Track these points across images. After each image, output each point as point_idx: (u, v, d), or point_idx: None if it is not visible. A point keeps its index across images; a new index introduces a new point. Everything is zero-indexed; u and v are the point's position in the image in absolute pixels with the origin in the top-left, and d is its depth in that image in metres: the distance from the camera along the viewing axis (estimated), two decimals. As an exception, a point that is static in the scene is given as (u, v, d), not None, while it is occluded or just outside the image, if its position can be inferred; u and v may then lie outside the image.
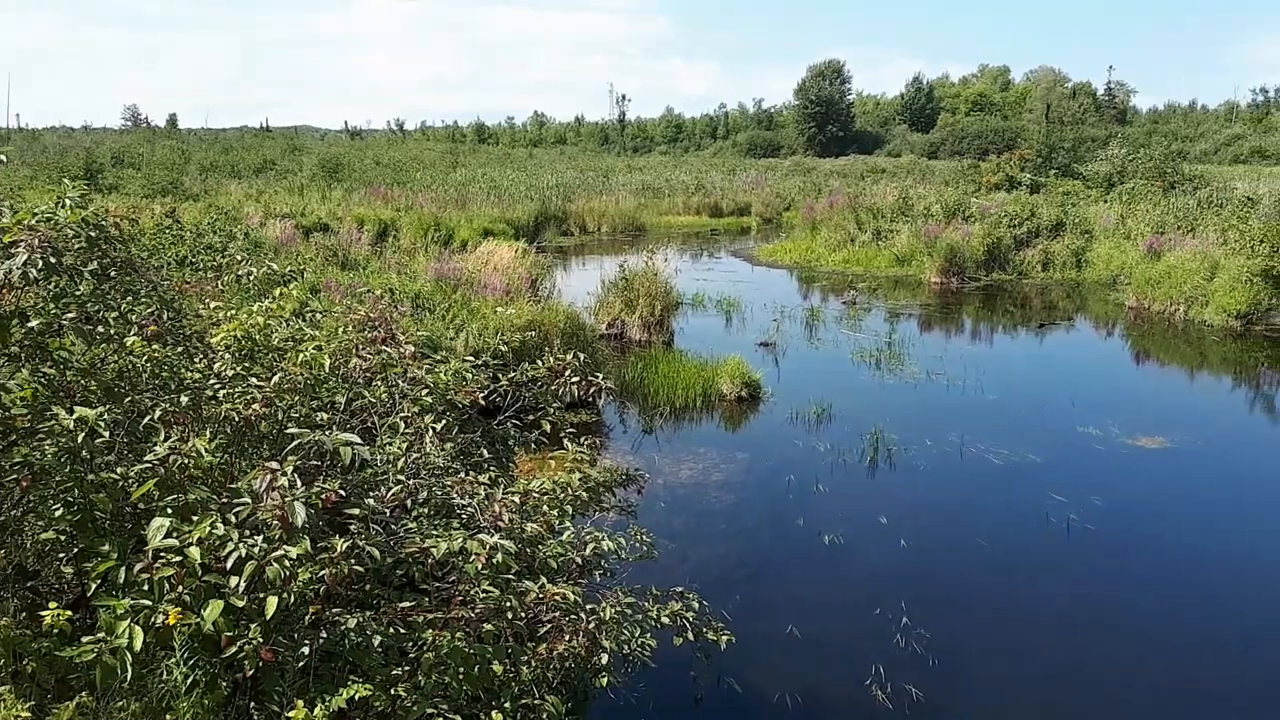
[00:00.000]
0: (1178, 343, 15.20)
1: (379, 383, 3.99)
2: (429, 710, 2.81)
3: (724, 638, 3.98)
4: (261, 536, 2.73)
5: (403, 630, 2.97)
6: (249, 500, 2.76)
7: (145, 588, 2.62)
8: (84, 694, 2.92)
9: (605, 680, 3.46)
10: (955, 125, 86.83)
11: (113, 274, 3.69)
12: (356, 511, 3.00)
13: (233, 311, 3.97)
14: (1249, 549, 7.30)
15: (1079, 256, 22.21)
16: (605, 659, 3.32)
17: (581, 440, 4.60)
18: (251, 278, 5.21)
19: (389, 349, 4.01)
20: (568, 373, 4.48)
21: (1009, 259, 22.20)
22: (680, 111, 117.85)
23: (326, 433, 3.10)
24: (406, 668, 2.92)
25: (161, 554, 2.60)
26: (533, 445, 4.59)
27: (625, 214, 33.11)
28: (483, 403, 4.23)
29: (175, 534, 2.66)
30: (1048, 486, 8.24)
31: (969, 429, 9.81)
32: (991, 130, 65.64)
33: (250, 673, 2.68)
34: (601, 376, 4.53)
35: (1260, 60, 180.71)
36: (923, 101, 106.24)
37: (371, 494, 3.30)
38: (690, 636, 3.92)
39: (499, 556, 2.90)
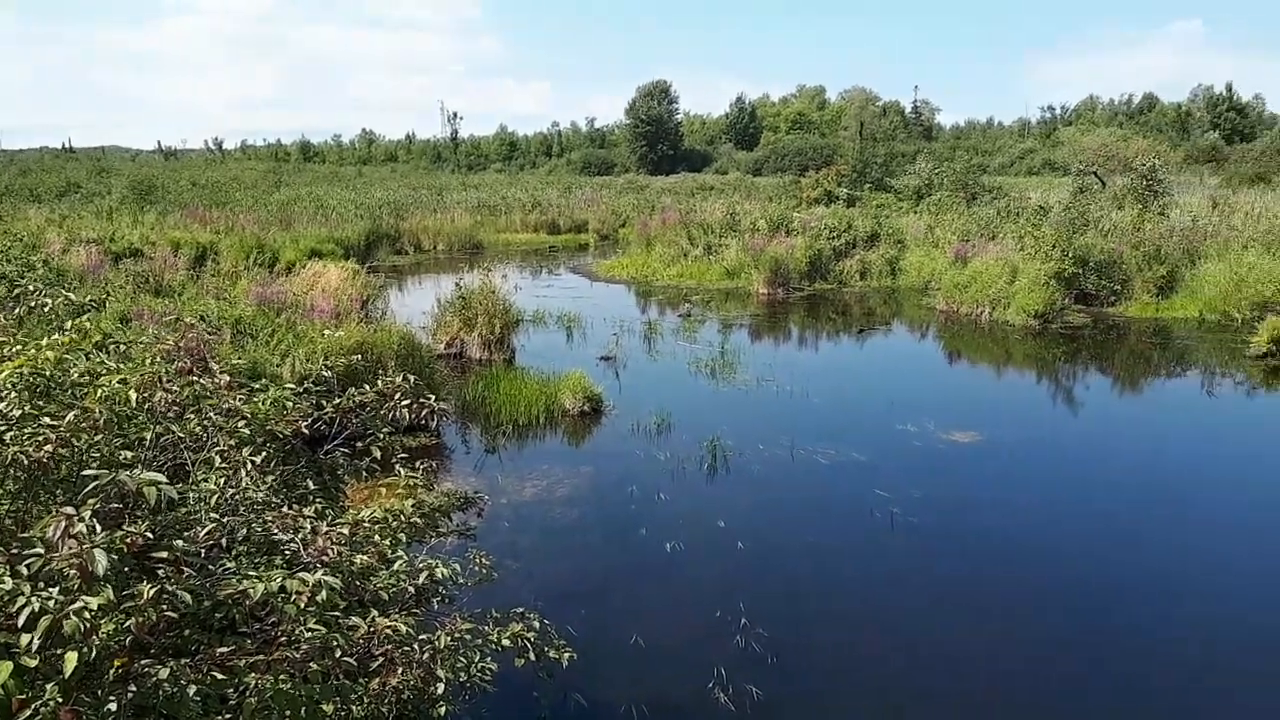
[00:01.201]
0: (985, 342, 16.36)
1: (191, 415, 3.76)
2: (255, 757, 2.66)
3: (565, 655, 3.97)
4: (58, 588, 2.52)
5: (222, 676, 2.80)
6: (42, 550, 2.54)
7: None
8: None
9: (444, 710, 3.38)
10: (777, 143, 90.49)
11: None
12: (165, 555, 2.81)
13: (19, 347, 3.64)
14: (1055, 530, 7.92)
15: (893, 265, 23.57)
16: (442, 688, 3.25)
17: (419, 464, 4.50)
18: (47, 309, 4.81)
19: (201, 379, 3.79)
20: (397, 396, 4.36)
21: (830, 269, 23.32)
22: (514, 129, 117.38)
23: (131, 472, 2.90)
24: (228, 715, 2.76)
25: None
26: (364, 473, 4.44)
27: (462, 232, 32.71)
28: (307, 432, 4.06)
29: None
30: (872, 483, 8.70)
31: (799, 432, 10.22)
32: (811, 147, 68.84)
33: (51, 737, 2.46)
34: (436, 398, 4.42)
35: (1047, 80, 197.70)
36: (746, 121, 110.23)
37: (184, 534, 3.10)
38: (532, 657, 3.88)
39: (323, 594, 2.78)
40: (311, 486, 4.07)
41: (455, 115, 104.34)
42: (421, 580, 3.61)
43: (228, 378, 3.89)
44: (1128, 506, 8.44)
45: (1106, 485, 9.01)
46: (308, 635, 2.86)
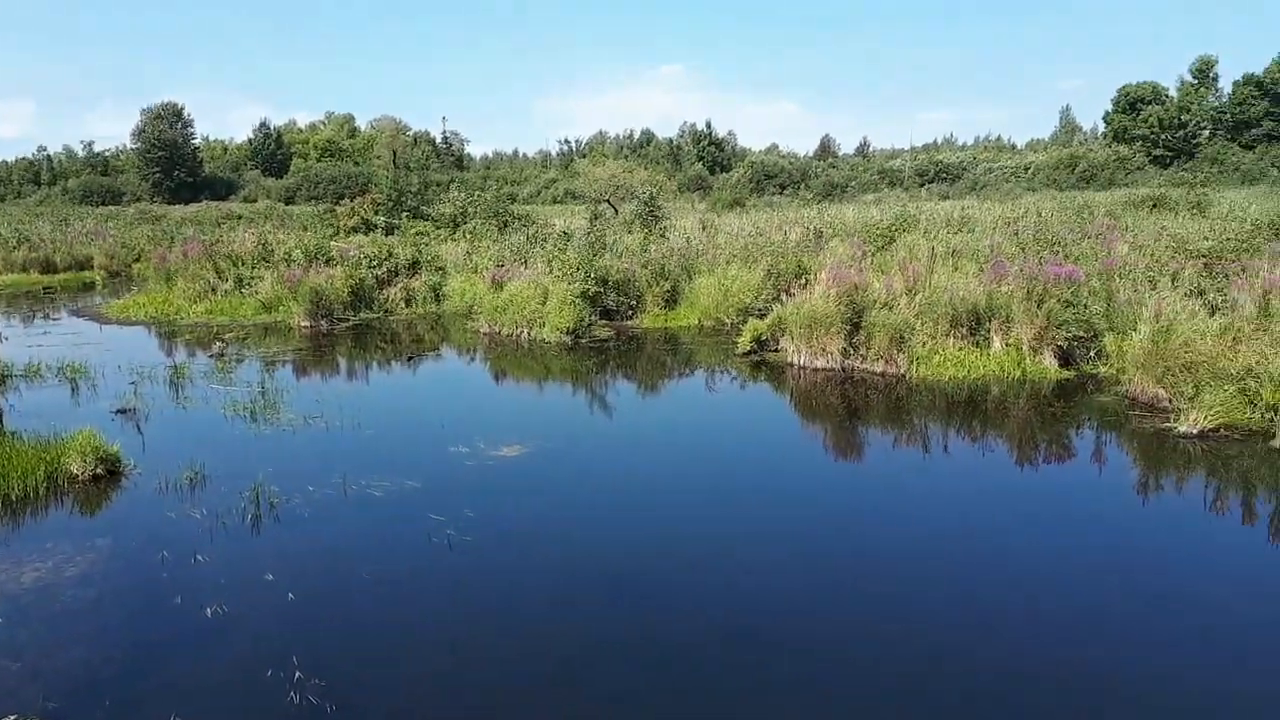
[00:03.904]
0: (526, 360, 17.30)
1: None
2: None
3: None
4: None
5: None
6: None
7: None
8: None
9: None
10: (309, 170, 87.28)
11: None
12: None
13: None
14: (600, 527, 8.61)
15: (437, 291, 23.99)
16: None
17: None
18: None
19: None
20: None
21: (374, 298, 23.08)
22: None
23: None
24: None
25: None
26: None
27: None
28: None
29: None
30: (427, 508, 8.76)
31: (350, 468, 9.97)
32: (345, 175, 67.52)
33: None
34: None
35: (563, 115, 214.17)
36: (273, 147, 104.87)
37: None
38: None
39: None
40: None
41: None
42: None
43: None
44: (662, 492, 9.48)
45: (642, 476, 10.05)
46: None
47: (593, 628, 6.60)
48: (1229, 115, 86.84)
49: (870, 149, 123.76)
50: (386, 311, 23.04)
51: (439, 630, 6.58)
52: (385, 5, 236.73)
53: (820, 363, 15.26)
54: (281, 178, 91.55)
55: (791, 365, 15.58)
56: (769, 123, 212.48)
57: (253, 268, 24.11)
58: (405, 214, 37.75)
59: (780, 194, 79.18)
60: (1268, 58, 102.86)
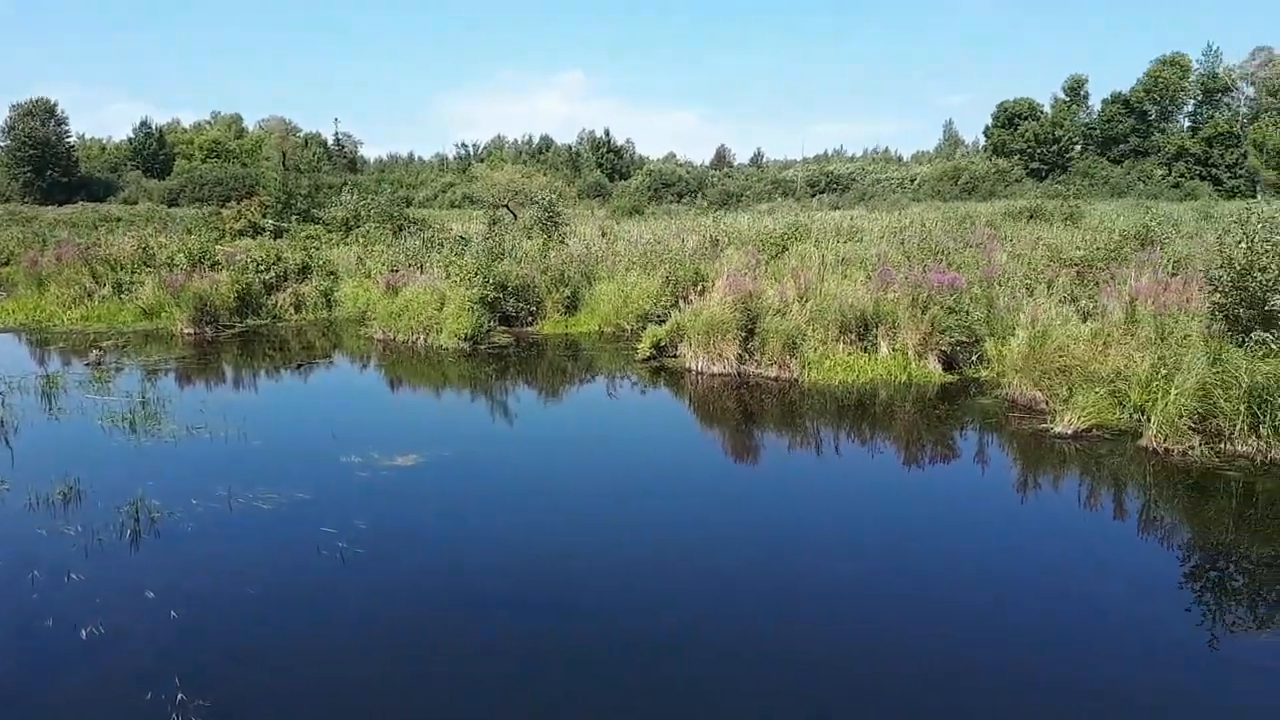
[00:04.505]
0: (422, 367, 17.04)
1: None
2: None
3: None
4: None
5: None
6: None
7: None
8: None
9: None
10: (193, 172, 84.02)
11: None
12: None
13: None
14: (496, 537, 8.55)
15: (328, 297, 23.43)
16: None
17: None
18: None
19: None
20: None
21: (262, 304, 22.40)
22: None
23: None
24: None
25: None
26: None
27: None
28: None
29: None
30: (317, 521, 8.54)
31: (237, 480, 9.64)
32: (232, 177, 65.21)
33: None
34: None
35: (461, 118, 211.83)
36: (155, 147, 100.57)
37: None
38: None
39: None
40: None
41: None
42: None
43: None
44: (561, 497, 9.47)
45: (542, 483, 10.01)
46: None
47: (491, 640, 6.56)
48: (1099, 131, 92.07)
49: (764, 159, 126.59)
50: (275, 318, 22.37)
51: (329, 646, 6.42)
52: (272, 2, 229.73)
53: (717, 368, 15.52)
54: (164, 179, 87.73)
55: (690, 370, 15.79)
56: (667, 132, 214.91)
57: (133, 272, 23.06)
58: (295, 217, 36.69)
59: (678, 202, 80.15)
60: (1133, 77, 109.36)
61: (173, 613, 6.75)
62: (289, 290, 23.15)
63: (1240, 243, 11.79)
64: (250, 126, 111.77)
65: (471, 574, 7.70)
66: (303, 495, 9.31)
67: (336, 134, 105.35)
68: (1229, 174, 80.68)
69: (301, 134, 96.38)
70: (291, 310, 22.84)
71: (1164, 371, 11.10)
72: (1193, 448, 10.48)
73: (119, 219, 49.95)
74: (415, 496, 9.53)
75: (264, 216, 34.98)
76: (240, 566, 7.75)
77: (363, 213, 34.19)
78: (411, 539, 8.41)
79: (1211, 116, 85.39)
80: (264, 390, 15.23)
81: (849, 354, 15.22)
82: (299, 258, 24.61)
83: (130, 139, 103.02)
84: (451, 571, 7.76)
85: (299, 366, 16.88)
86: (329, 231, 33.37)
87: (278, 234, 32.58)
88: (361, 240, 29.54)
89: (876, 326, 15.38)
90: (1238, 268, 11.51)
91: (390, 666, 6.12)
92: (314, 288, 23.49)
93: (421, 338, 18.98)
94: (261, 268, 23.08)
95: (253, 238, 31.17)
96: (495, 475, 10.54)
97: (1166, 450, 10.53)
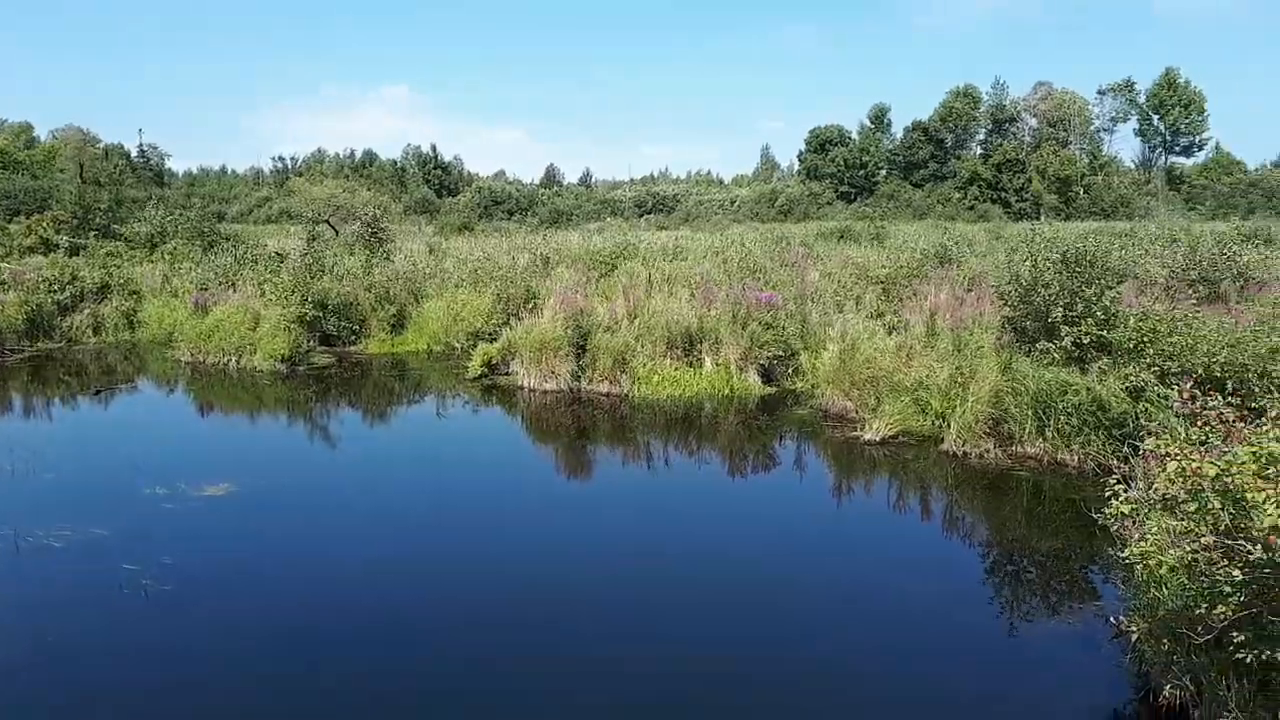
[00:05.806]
0: (235, 390, 16.19)
1: None
2: None
3: None
4: None
5: None
6: None
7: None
8: None
9: None
10: (-27, 182, 76.45)
11: None
12: None
13: None
14: (313, 565, 8.24)
15: (130, 318, 21.94)
16: None
17: None
18: None
19: None
20: None
21: (55, 326, 20.77)
22: None
23: None
24: None
25: None
26: None
27: None
28: None
29: None
30: (118, 557, 7.96)
31: (24, 517, 8.87)
32: (22, 190, 59.71)
33: None
34: None
35: (277, 132, 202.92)
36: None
37: None
38: None
39: None
40: None
41: None
42: None
43: None
44: (383, 524, 9.21)
45: (362, 510, 9.70)
46: None
47: (306, 676, 6.32)
48: (901, 157, 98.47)
49: (593, 179, 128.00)
50: (71, 341, 20.72)
51: (131, 691, 6.01)
52: (68, 4, 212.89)
53: (550, 385, 15.56)
54: (-63, 190, 79.48)
55: (522, 388, 15.75)
56: (497, 149, 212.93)
57: (-103, 293, 20.79)
58: (94, 233, 34.05)
59: (508, 220, 79.76)
60: (930, 107, 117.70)
61: (-53, 665, 6.14)
62: (86, 311, 21.50)
63: (1026, 261, 12.88)
64: (42, 136, 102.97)
65: (286, 608, 7.38)
66: (101, 531, 8.65)
67: (141, 145, 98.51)
68: (1016, 197, 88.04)
69: (101, 145, 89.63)
70: (90, 332, 21.22)
71: (961, 380, 12.01)
72: (988, 451, 11.37)
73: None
74: (227, 530, 9.03)
75: (58, 232, 32.36)
76: (29, 611, 7.13)
77: (169, 228, 32.11)
78: (222, 574, 7.96)
79: (1000, 144, 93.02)
80: (57, 419, 14.07)
81: (676, 369, 15.61)
82: (98, 276, 22.86)
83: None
84: (264, 607, 7.37)
85: (97, 393, 15.67)
86: (132, 248, 31.15)
87: (74, 251, 30.16)
88: (168, 257, 27.75)
89: (701, 342, 15.86)
90: (1024, 284, 12.58)
91: (197, 712, 5.80)
92: (115, 308, 21.91)
93: (234, 359, 18.05)
94: (55, 287, 21.31)
95: (45, 254, 28.72)
96: (314, 503, 10.11)
97: (965, 454, 11.38)
